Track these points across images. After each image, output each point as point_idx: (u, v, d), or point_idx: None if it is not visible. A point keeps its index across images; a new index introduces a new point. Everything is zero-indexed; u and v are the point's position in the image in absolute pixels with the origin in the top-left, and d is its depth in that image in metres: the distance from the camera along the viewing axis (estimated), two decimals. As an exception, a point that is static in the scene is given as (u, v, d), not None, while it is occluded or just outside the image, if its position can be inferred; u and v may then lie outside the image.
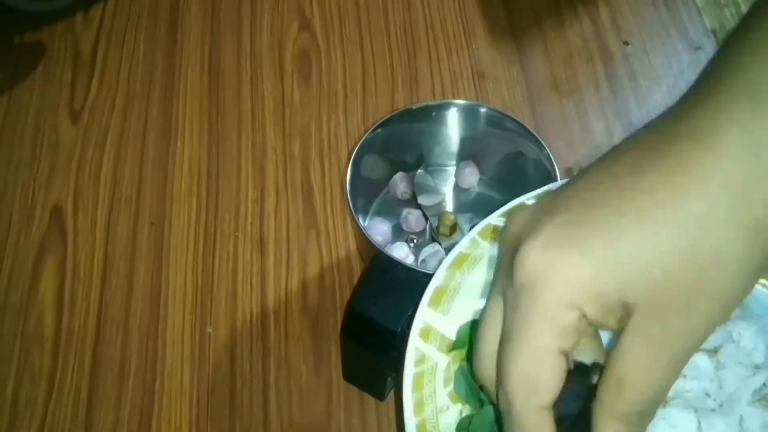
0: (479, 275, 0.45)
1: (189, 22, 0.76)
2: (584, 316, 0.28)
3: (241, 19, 0.76)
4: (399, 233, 0.59)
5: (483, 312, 0.35)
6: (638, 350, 0.28)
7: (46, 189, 0.65)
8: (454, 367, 0.43)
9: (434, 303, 0.44)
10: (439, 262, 0.55)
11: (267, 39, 0.74)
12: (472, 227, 0.58)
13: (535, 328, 0.29)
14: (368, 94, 0.71)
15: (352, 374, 0.55)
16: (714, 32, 0.75)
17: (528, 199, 0.48)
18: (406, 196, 0.60)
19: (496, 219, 0.47)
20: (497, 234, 0.46)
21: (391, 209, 0.60)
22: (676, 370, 0.28)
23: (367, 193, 0.60)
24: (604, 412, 0.29)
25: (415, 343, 0.43)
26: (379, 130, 0.55)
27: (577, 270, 0.28)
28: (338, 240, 0.63)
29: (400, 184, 0.60)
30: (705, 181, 0.27)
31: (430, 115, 0.58)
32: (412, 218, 0.58)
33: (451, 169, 0.62)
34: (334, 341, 0.58)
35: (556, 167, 0.54)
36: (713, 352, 0.44)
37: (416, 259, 0.57)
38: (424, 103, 0.58)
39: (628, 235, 0.27)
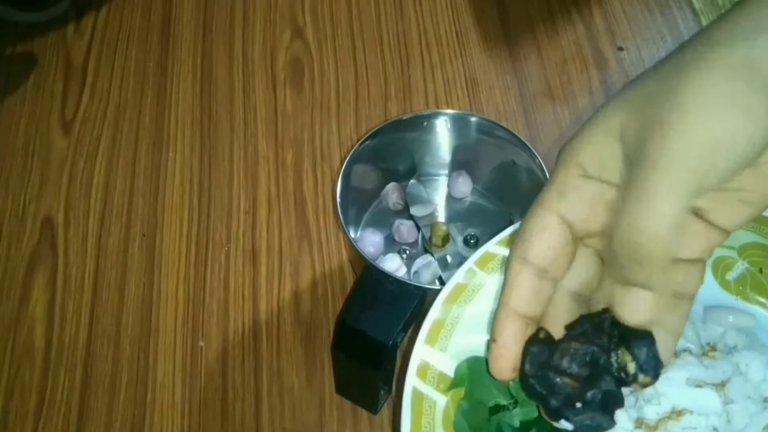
0: (478, 307, 0.44)
1: (181, 31, 0.75)
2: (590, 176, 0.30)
3: (233, 27, 0.76)
4: (391, 244, 0.59)
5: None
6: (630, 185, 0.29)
7: (37, 200, 0.65)
8: (453, 406, 0.42)
9: (431, 339, 0.43)
10: (432, 275, 0.55)
11: (259, 47, 0.74)
12: (465, 237, 0.58)
13: (546, 194, 0.31)
14: (361, 102, 0.70)
15: (344, 387, 0.54)
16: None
17: None
18: (399, 207, 0.59)
19: (493, 247, 0.46)
20: (495, 263, 0.46)
21: (383, 220, 0.60)
22: (662, 194, 0.28)
23: (359, 204, 0.59)
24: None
25: (412, 382, 0.42)
26: (370, 141, 0.55)
27: (614, 104, 0.29)
28: (331, 250, 0.62)
29: (392, 194, 0.59)
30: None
31: (422, 124, 0.57)
32: (405, 229, 0.58)
33: (444, 179, 0.62)
34: (327, 353, 0.57)
35: (548, 176, 0.53)
36: (721, 386, 0.43)
37: (408, 271, 0.56)
38: (415, 113, 0.57)
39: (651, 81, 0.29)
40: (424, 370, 0.42)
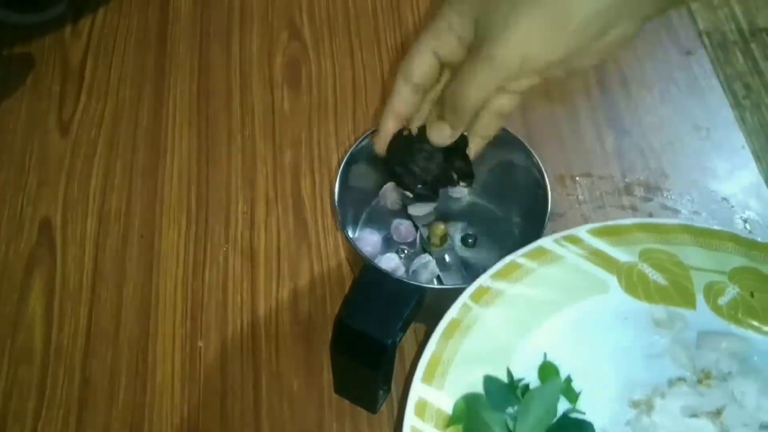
0: (473, 342, 0.45)
1: (178, 33, 0.75)
2: (451, 24, 0.41)
3: (230, 29, 0.76)
4: (389, 244, 0.59)
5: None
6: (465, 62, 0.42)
7: (35, 202, 0.65)
8: None
9: (428, 377, 0.44)
10: (431, 274, 0.55)
11: (256, 49, 0.74)
12: (463, 237, 0.58)
13: (423, 33, 0.42)
14: (359, 103, 0.70)
15: (343, 387, 0.54)
16: (708, 34, 0.75)
17: (517, 257, 0.48)
18: (397, 207, 0.59)
19: (487, 280, 0.47)
20: (489, 296, 0.46)
21: (381, 220, 0.60)
22: (477, 78, 0.41)
23: (357, 204, 0.59)
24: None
25: (411, 422, 0.42)
26: (366, 141, 0.55)
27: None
28: (329, 251, 0.62)
29: (390, 194, 0.59)
30: None
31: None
32: (403, 229, 0.58)
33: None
34: (326, 353, 0.57)
35: (545, 175, 0.53)
36: (716, 414, 0.43)
37: (407, 270, 0.56)
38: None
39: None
40: (422, 408, 0.43)
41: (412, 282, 0.50)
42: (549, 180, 0.53)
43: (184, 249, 0.62)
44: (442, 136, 0.45)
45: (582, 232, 0.49)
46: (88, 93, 0.71)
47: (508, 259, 0.47)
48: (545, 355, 0.46)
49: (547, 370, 0.45)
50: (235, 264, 0.62)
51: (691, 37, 0.75)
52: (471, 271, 0.56)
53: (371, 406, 0.54)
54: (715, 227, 0.50)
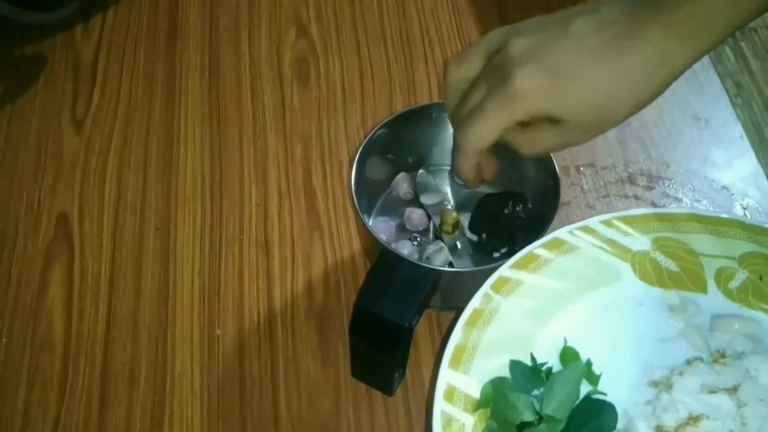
0: (495, 331, 0.47)
1: (188, 31, 0.77)
2: (531, 113, 0.45)
3: (239, 27, 0.77)
4: (402, 232, 0.60)
5: (461, 62, 0.49)
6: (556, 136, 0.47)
7: (52, 197, 0.66)
8: (481, 426, 0.44)
9: (455, 363, 0.45)
10: (443, 260, 0.57)
11: (265, 46, 0.76)
12: (471, 224, 0.60)
13: (503, 114, 0.46)
14: (366, 97, 0.72)
15: (360, 371, 0.56)
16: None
17: (535, 248, 0.50)
18: (409, 196, 0.61)
19: (507, 271, 0.49)
20: (509, 286, 0.48)
21: (394, 209, 0.61)
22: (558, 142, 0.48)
23: (370, 194, 0.61)
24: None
25: (440, 406, 0.44)
26: (382, 130, 0.56)
27: (546, 93, 0.44)
28: (342, 241, 0.64)
29: (402, 184, 0.61)
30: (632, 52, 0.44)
31: (431, 115, 0.59)
32: (416, 217, 0.60)
33: (451, 169, 0.63)
34: (341, 339, 0.59)
35: (555, 164, 0.55)
36: (733, 390, 0.45)
37: (420, 257, 0.58)
38: (426, 104, 0.59)
39: (586, 78, 0.44)
40: (450, 394, 0.45)
41: (428, 265, 0.51)
42: (555, 170, 0.55)
43: (199, 241, 0.64)
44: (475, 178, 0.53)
45: (595, 222, 0.51)
46: (101, 91, 0.73)
47: (526, 250, 0.49)
48: (565, 340, 0.48)
49: (568, 355, 0.47)
50: (250, 255, 0.63)
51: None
52: (482, 257, 0.58)
53: (387, 389, 0.56)
54: (723, 215, 0.51)
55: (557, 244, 0.50)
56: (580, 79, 0.44)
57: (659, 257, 0.51)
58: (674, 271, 0.51)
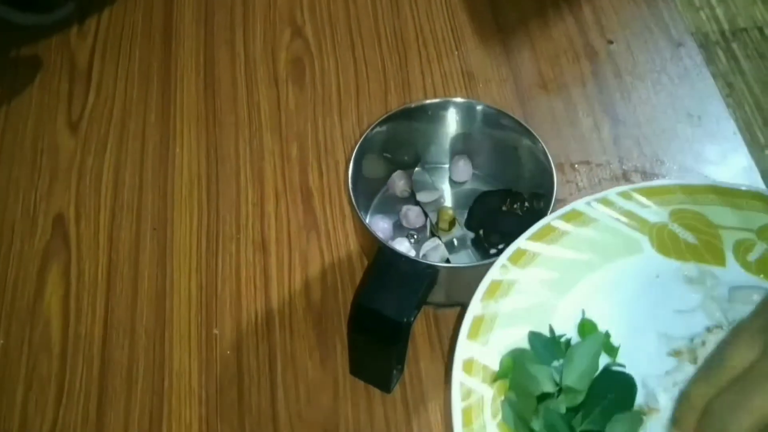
0: (514, 301, 0.46)
1: (183, 32, 0.77)
2: None
3: (234, 27, 0.77)
4: (399, 229, 0.61)
5: (729, 347, 0.41)
6: None
7: (48, 198, 0.66)
8: (500, 397, 0.44)
9: (473, 335, 0.45)
10: (440, 257, 0.57)
11: (260, 46, 0.76)
12: (467, 221, 0.60)
13: None
14: (362, 97, 0.72)
15: (358, 368, 0.56)
16: (690, 34, 0.78)
17: (552, 219, 0.49)
18: (405, 194, 0.61)
19: (524, 242, 0.48)
20: (526, 258, 0.48)
21: (390, 207, 0.62)
22: None
23: (367, 192, 0.61)
24: None
25: (459, 378, 0.43)
26: (378, 129, 0.57)
27: None
28: (338, 240, 0.64)
29: (398, 182, 0.61)
30: None
31: (427, 113, 0.59)
32: (412, 214, 0.60)
33: (447, 167, 0.64)
34: (339, 337, 0.59)
35: (551, 161, 0.56)
36: None
37: (417, 254, 0.58)
38: (422, 102, 0.60)
39: None
40: (469, 365, 0.44)
41: (425, 261, 0.51)
42: (550, 166, 0.56)
43: (196, 240, 0.64)
44: None
45: (612, 194, 0.51)
46: (96, 92, 0.73)
47: (543, 221, 0.49)
48: (583, 312, 0.47)
49: (587, 327, 0.46)
50: (247, 254, 0.63)
51: (681, 30, 0.77)
52: (478, 254, 0.58)
53: (385, 386, 0.56)
54: (743, 187, 0.51)
55: (575, 216, 0.50)
56: None
57: (677, 229, 0.50)
58: (692, 243, 0.50)
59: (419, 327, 0.59)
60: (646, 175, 0.68)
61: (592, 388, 0.44)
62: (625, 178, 0.68)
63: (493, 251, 0.57)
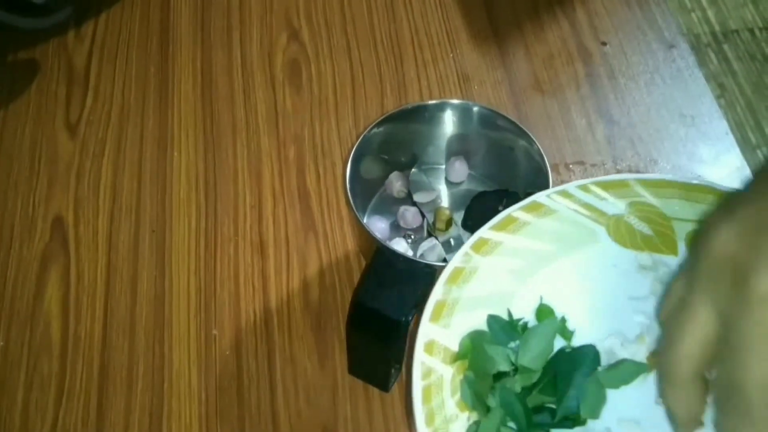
0: (475, 287, 0.48)
1: (180, 35, 0.77)
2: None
3: (230, 31, 0.78)
4: (396, 230, 0.61)
5: (677, 316, 0.40)
6: None
7: (47, 201, 0.67)
8: (459, 376, 0.45)
9: (435, 317, 0.46)
10: (438, 257, 0.57)
11: (257, 50, 0.76)
12: (464, 220, 0.61)
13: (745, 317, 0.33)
14: (358, 99, 0.73)
15: (357, 367, 0.56)
16: (683, 35, 0.79)
17: (514, 210, 0.51)
18: (402, 194, 0.62)
19: (486, 232, 0.50)
20: (488, 247, 0.49)
21: (387, 207, 0.62)
22: None
23: (364, 193, 0.62)
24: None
25: (420, 358, 0.45)
26: (375, 130, 0.57)
27: None
28: (336, 241, 0.65)
29: (395, 182, 0.62)
30: None
31: (424, 115, 0.60)
32: (409, 215, 0.60)
33: (444, 168, 0.64)
34: (337, 338, 0.59)
35: (546, 162, 0.56)
36: None
37: (414, 254, 0.59)
38: (418, 103, 0.60)
39: None
40: (430, 346, 0.45)
41: (423, 261, 0.52)
42: (545, 167, 0.56)
43: (195, 242, 0.64)
44: None
45: (572, 187, 0.52)
46: (94, 95, 0.73)
47: (505, 213, 0.50)
48: (541, 298, 0.49)
49: (544, 312, 0.48)
50: (246, 255, 0.64)
51: (674, 32, 0.78)
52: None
53: (384, 385, 0.56)
54: (694, 181, 0.53)
55: (536, 207, 0.51)
56: None
57: (633, 221, 0.52)
58: (647, 234, 0.52)
59: (416, 325, 0.59)
60: (640, 175, 0.68)
61: (547, 367, 0.45)
62: (620, 178, 0.68)
63: None
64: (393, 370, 0.55)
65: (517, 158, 0.59)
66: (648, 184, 0.53)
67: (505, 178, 0.62)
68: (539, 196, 0.52)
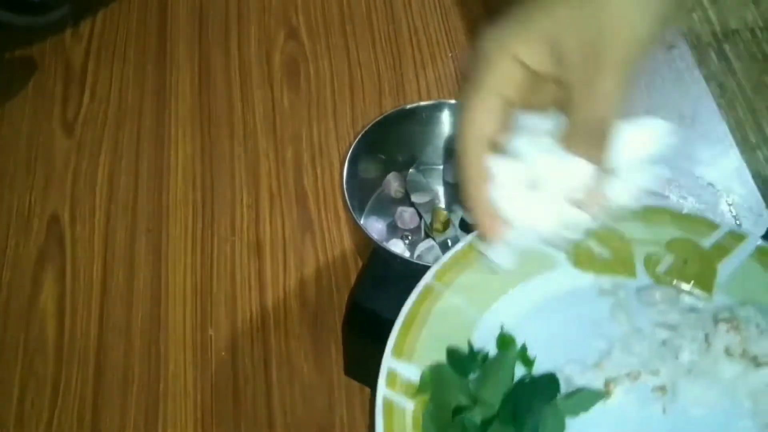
0: (437, 321, 0.48)
1: (177, 34, 0.77)
2: (520, 65, 0.38)
3: (228, 30, 0.78)
4: (394, 230, 0.61)
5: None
6: (579, 84, 0.37)
7: (43, 200, 0.66)
8: (421, 410, 0.45)
9: (397, 352, 0.47)
10: (435, 258, 0.57)
11: (255, 48, 0.76)
12: (460, 222, 0.60)
13: (483, 82, 0.38)
14: (356, 99, 0.73)
15: (353, 368, 0.56)
16: (682, 35, 0.78)
17: (473, 238, 0.51)
18: (400, 195, 0.62)
19: (446, 262, 0.50)
20: (448, 277, 0.49)
21: (385, 208, 0.62)
22: (611, 90, 0.38)
23: (362, 193, 0.61)
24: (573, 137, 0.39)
25: (383, 392, 0.45)
26: (373, 130, 0.57)
27: (512, 33, 0.38)
28: (333, 241, 0.64)
29: (393, 183, 0.61)
30: None
31: (421, 115, 0.60)
32: (407, 215, 0.60)
33: (441, 168, 0.64)
34: (334, 338, 0.59)
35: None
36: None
37: (412, 255, 0.58)
38: (415, 104, 0.60)
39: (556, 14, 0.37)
40: (392, 380, 0.46)
41: (420, 262, 0.52)
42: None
43: (191, 242, 0.64)
44: (608, 157, 0.41)
45: None
46: (91, 94, 0.73)
47: (464, 242, 0.50)
48: (502, 326, 0.49)
49: (504, 340, 0.48)
50: (242, 255, 0.63)
51: (674, 32, 0.78)
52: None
53: (380, 387, 0.56)
54: (653, 204, 0.53)
55: None
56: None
57: (592, 244, 0.52)
58: (606, 257, 0.52)
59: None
60: (638, 176, 0.68)
61: (507, 399, 0.45)
62: (618, 179, 0.68)
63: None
64: (389, 372, 0.55)
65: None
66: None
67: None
68: None
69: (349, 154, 0.56)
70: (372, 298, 0.49)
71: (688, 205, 0.66)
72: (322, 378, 0.58)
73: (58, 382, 0.57)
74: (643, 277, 0.52)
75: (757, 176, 0.69)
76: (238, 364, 0.58)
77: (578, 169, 0.41)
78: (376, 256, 0.51)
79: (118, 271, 0.63)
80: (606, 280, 0.52)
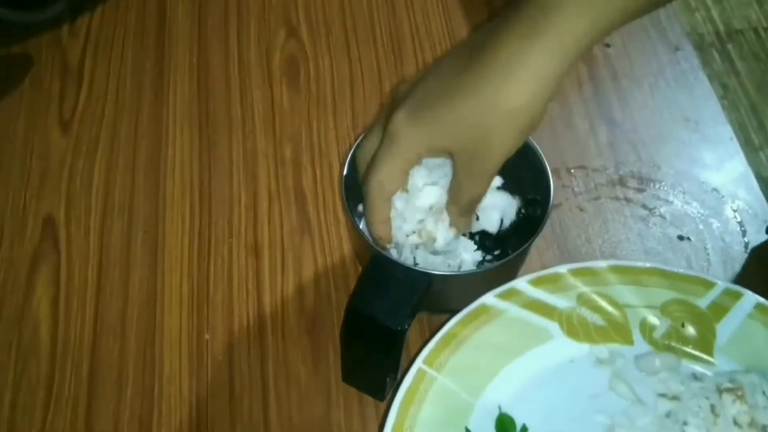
0: (432, 407, 0.48)
1: (176, 31, 0.76)
2: (420, 154, 0.49)
3: (227, 27, 0.77)
4: (393, 234, 0.60)
5: (368, 135, 0.52)
6: (461, 176, 0.49)
7: (38, 199, 0.65)
8: None
9: None
10: (434, 265, 0.56)
11: (254, 46, 0.75)
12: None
13: (391, 158, 0.49)
14: (357, 98, 0.72)
15: (351, 375, 0.55)
16: (686, 35, 0.77)
17: (463, 317, 0.51)
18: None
19: (436, 345, 0.50)
20: (440, 361, 0.50)
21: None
22: (482, 185, 0.50)
23: (360, 197, 0.60)
24: (451, 206, 0.52)
25: None
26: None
27: (418, 132, 0.47)
28: (332, 244, 0.63)
29: (393, 185, 0.60)
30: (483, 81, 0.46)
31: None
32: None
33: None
34: (332, 343, 0.58)
35: (547, 166, 0.55)
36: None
37: (411, 261, 0.57)
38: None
39: (447, 114, 0.46)
40: None
41: (420, 269, 0.51)
42: (546, 172, 0.55)
43: (188, 243, 0.63)
44: (469, 226, 0.54)
45: (521, 283, 0.52)
46: (88, 91, 0.72)
47: (453, 321, 0.50)
48: (500, 408, 0.48)
49: (504, 422, 0.48)
50: (240, 257, 0.62)
51: (678, 34, 0.77)
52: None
53: (378, 394, 0.55)
54: (642, 265, 0.52)
55: (482, 312, 0.51)
56: (444, 107, 0.46)
57: (585, 312, 0.52)
58: (600, 325, 0.52)
59: (413, 334, 0.58)
60: (642, 181, 0.67)
61: None
62: (622, 183, 0.67)
63: (488, 258, 0.57)
64: (388, 379, 0.54)
65: (517, 162, 0.58)
66: (595, 272, 0.53)
67: (505, 182, 0.61)
68: (487, 299, 0.52)
69: (349, 156, 0.55)
70: (370, 305, 0.48)
71: (692, 211, 0.65)
72: (320, 383, 0.57)
73: (51, 385, 0.57)
74: (640, 344, 0.51)
75: (759, 178, 0.68)
76: (234, 369, 0.57)
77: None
78: (374, 262, 0.50)
79: (113, 272, 0.62)
80: (602, 350, 0.51)
